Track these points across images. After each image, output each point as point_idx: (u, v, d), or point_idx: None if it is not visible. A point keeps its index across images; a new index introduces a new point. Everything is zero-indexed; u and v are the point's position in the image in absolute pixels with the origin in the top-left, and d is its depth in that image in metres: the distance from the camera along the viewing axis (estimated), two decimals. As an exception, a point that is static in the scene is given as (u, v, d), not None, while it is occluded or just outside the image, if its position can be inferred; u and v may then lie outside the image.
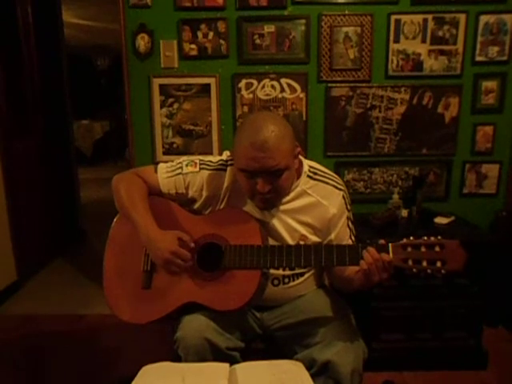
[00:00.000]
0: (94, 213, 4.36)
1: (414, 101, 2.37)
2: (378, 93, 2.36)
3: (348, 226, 1.35)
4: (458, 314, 2.03)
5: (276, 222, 1.30)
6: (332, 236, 1.33)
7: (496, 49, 2.32)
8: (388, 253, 1.11)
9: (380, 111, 2.38)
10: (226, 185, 1.32)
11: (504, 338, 2.29)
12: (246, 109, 2.39)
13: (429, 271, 1.08)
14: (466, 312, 2.03)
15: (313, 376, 1.11)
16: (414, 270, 1.09)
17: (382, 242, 1.13)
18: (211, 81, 2.37)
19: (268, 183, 1.17)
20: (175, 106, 2.40)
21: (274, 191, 1.20)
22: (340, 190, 1.34)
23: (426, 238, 1.10)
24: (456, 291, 2.01)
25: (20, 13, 3.12)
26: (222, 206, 1.33)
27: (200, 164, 1.35)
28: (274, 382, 1.05)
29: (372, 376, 1.83)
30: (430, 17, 2.28)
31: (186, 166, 1.35)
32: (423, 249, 1.09)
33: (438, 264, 1.07)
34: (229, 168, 1.32)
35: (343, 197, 1.33)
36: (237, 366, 1.12)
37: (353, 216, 1.38)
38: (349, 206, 1.36)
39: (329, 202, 1.31)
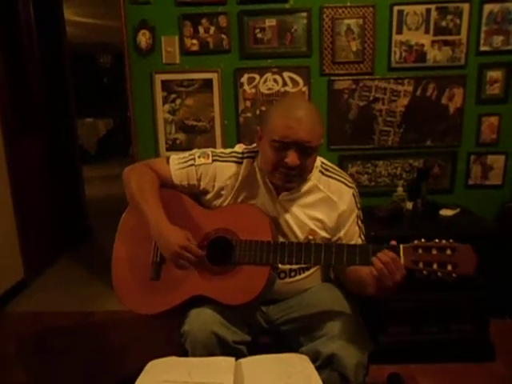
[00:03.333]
0: (99, 210, 4.38)
1: (418, 92, 2.35)
2: (381, 85, 2.34)
3: (358, 224, 1.35)
4: (464, 306, 2.02)
5: (286, 215, 1.31)
6: (341, 233, 1.33)
7: (500, 38, 2.29)
8: (399, 254, 1.10)
9: (383, 104, 2.36)
10: (240, 178, 1.33)
11: (511, 330, 2.28)
12: (248, 103, 2.38)
13: (439, 274, 1.07)
14: (473, 304, 2.02)
15: (318, 369, 1.11)
16: (425, 272, 1.08)
17: (393, 243, 1.13)
18: (213, 76, 2.36)
19: (298, 158, 1.19)
20: (177, 101, 2.40)
21: (300, 169, 1.22)
22: (350, 187, 1.34)
23: (437, 240, 1.09)
24: (462, 283, 2.00)
25: (22, 12, 3.12)
26: (233, 198, 1.34)
27: (213, 156, 1.35)
28: (280, 376, 1.06)
29: (379, 369, 1.83)
30: (433, 7, 2.26)
31: (199, 157, 1.36)
32: (434, 251, 1.08)
33: (449, 267, 1.06)
34: (245, 160, 1.34)
35: (353, 195, 1.34)
36: (242, 360, 1.13)
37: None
38: (359, 205, 1.35)
39: (339, 199, 1.31)
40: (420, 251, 1.09)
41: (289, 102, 1.27)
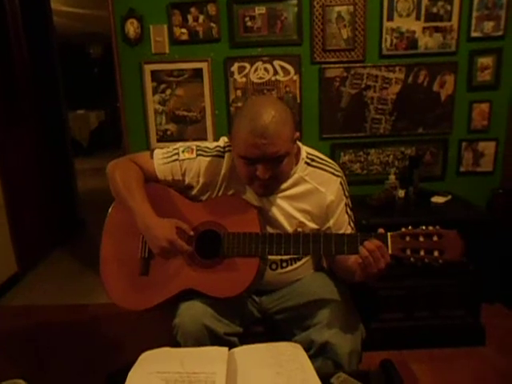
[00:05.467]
0: (91, 203, 4.35)
1: (409, 80, 2.34)
2: (372, 72, 2.33)
3: (347, 212, 1.34)
4: (455, 291, 2.05)
5: (274, 209, 1.30)
6: (330, 223, 1.32)
7: (491, 24, 2.28)
8: (387, 242, 1.10)
9: (375, 91, 2.36)
10: (223, 171, 1.30)
11: (501, 314, 2.32)
12: (239, 93, 2.37)
13: (426, 260, 1.08)
14: (464, 290, 2.04)
15: (311, 357, 1.11)
16: (412, 259, 1.09)
17: (380, 230, 1.13)
18: (203, 65, 2.34)
19: (268, 169, 1.16)
20: (168, 92, 2.37)
21: (275, 177, 1.19)
22: (338, 176, 1.33)
23: (424, 227, 1.10)
24: (453, 269, 2.02)
25: (7, 3, 3.05)
26: (219, 193, 1.33)
27: (197, 150, 1.33)
28: (273, 364, 1.06)
29: (371, 355, 1.83)
30: (423, -7, 2.24)
31: (183, 152, 1.33)
32: (421, 238, 1.08)
33: (436, 253, 1.07)
34: (226, 154, 1.31)
35: (341, 183, 1.33)
36: (235, 350, 1.13)
37: (350, 200, 1.37)
38: (347, 193, 1.35)
39: (326, 189, 1.30)
40: (407, 238, 1.09)
41: (249, 111, 1.16)
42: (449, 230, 1.09)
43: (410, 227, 1.11)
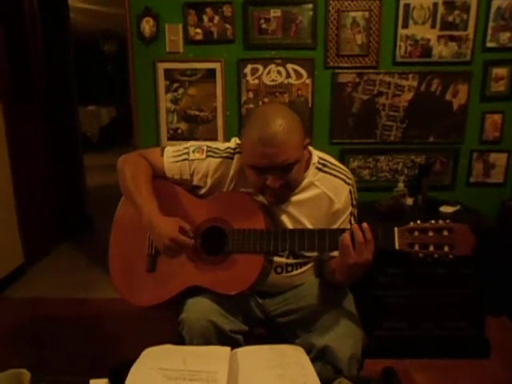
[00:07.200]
0: (100, 198, 4.37)
1: (422, 88, 2.33)
2: (385, 79, 2.33)
3: (350, 222, 1.32)
4: (461, 303, 2.03)
5: (281, 213, 1.29)
6: None
7: (507, 35, 2.27)
8: (393, 237, 1.08)
9: (387, 98, 2.35)
10: (231, 173, 1.30)
11: (507, 327, 2.29)
12: (251, 94, 2.37)
13: (436, 256, 1.05)
14: (470, 301, 2.03)
15: (311, 361, 1.10)
16: (421, 254, 1.06)
17: (363, 225, 1.10)
18: (216, 66, 2.35)
19: (279, 178, 1.15)
20: (180, 91, 2.39)
21: (286, 185, 1.19)
22: (348, 184, 1.31)
23: (433, 221, 1.07)
24: (460, 280, 2.01)
25: (26, -3, 3.10)
26: None
27: (207, 151, 1.33)
28: (275, 367, 1.06)
29: (374, 363, 1.82)
30: (440, 1, 2.23)
31: (193, 152, 1.33)
32: (431, 233, 1.06)
33: (446, 249, 1.04)
34: (236, 156, 1.30)
35: (350, 191, 1.31)
36: (238, 350, 1.13)
37: (358, 206, 1.36)
38: (354, 202, 1.33)
39: (335, 196, 1.29)
40: (416, 233, 1.07)
41: (257, 120, 1.16)
42: (459, 224, 1.06)
43: (418, 221, 1.08)
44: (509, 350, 2.12)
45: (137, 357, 1.09)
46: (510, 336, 2.23)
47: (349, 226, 1.31)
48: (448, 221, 1.07)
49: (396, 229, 1.09)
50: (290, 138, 1.13)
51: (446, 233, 1.05)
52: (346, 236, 1.09)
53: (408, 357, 2.03)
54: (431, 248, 1.06)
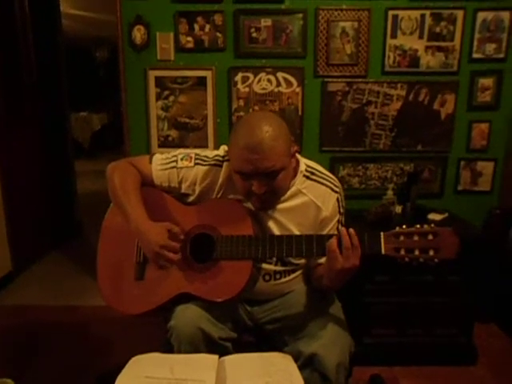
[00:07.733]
0: (90, 205, 4.35)
1: (410, 97, 2.37)
2: (374, 88, 2.36)
3: (337, 229, 1.32)
4: (449, 310, 2.04)
5: (269, 220, 1.30)
6: None
7: (493, 46, 2.32)
8: (380, 242, 1.10)
9: (376, 107, 2.38)
10: (220, 181, 1.31)
11: (494, 334, 2.31)
12: (241, 102, 2.39)
13: (421, 260, 1.07)
14: (457, 308, 2.04)
15: (299, 368, 1.11)
16: (406, 259, 1.08)
17: (350, 230, 1.12)
18: (207, 74, 2.36)
19: (264, 184, 1.16)
20: (171, 98, 2.40)
21: (271, 192, 1.19)
22: (336, 192, 1.32)
23: (418, 226, 1.09)
24: (447, 287, 2.03)
25: (17, 3, 3.09)
26: None
27: (195, 159, 1.33)
28: (262, 375, 1.06)
29: (362, 370, 1.84)
30: (427, 13, 2.28)
31: (181, 159, 1.34)
32: (416, 237, 1.08)
33: (431, 252, 1.06)
34: (225, 164, 1.31)
35: (337, 199, 1.32)
36: (226, 358, 1.13)
37: (346, 213, 1.37)
38: (342, 210, 1.34)
39: (322, 204, 1.30)
40: (401, 238, 1.09)
41: (244, 127, 1.17)
42: (443, 227, 1.08)
43: (404, 226, 1.10)
44: (496, 356, 2.14)
45: (124, 365, 1.09)
46: (497, 343, 2.24)
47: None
48: (433, 225, 1.09)
49: (382, 234, 1.11)
50: (276, 145, 1.14)
51: (430, 237, 1.08)
52: (333, 241, 1.10)
53: (396, 364, 2.04)
54: (416, 252, 1.08)
